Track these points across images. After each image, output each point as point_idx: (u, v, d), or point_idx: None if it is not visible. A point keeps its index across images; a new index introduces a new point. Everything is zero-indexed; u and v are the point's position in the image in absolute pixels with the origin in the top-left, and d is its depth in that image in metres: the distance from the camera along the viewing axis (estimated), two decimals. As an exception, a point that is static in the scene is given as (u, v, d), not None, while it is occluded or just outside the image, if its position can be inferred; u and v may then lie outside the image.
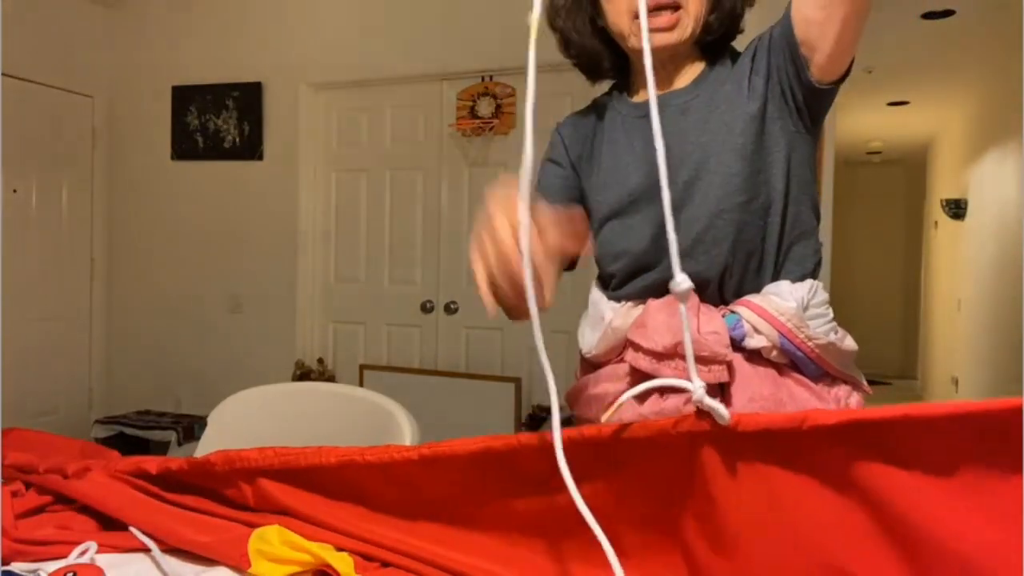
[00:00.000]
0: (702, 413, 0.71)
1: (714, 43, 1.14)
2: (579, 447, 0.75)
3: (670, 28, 1.07)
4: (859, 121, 6.22)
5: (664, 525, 0.75)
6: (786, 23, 1.05)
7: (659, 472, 0.75)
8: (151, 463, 1.01)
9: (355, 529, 0.88)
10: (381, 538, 0.86)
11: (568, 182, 1.23)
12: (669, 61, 1.13)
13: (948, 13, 3.84)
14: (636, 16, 1.07)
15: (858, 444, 0.66)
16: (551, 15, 1.19)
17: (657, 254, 1.11)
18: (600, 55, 1.18)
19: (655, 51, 1.08)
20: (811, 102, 1.08)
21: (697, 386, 0.69)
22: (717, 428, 0.70)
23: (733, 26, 1.14)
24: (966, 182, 5.70)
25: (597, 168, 1.19)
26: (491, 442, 0.80)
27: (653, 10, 1.06)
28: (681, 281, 0.68)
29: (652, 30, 1.06)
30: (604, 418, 0.80)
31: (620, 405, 0.78)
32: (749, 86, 1.09)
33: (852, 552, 0.67)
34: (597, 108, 1.24)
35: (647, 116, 1.09)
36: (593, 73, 1.23)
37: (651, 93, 0.71)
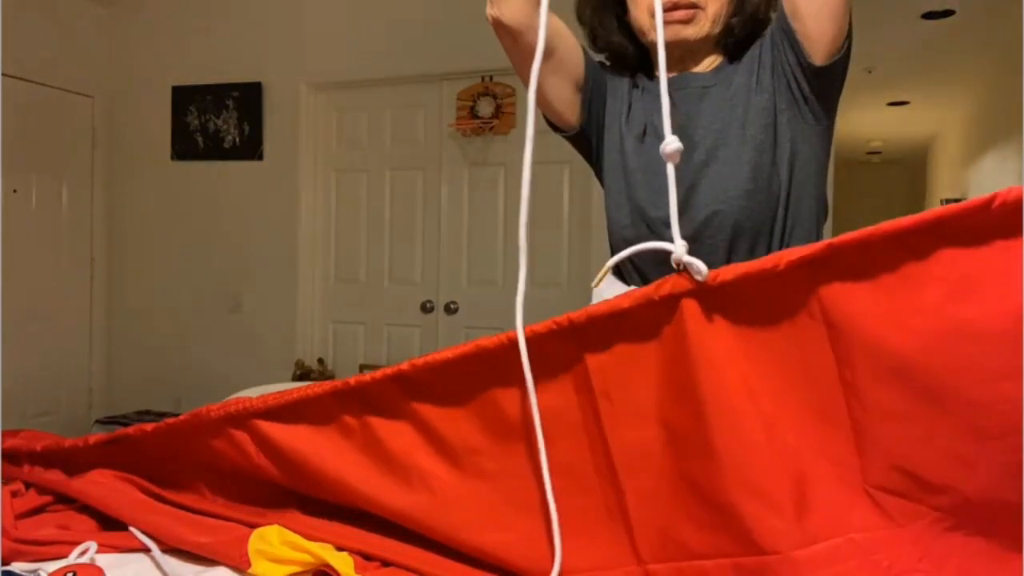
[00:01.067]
0: (681, 273, 0.72)
1: (737, 43, 1.17)
2: (567, 332, 0.77)
3: (686, 22, 1.11)
4: (859, 121, 6.22)
5: (654, 393, 0.75)
6: (780, 9, 1.08)
7: (646, 341, 0.75)
8: (149, 426, 1.01)
9: (353, 499, 0.88)
10: (380, 539, 0.86)
11: (591, 70, 1.24)
12: (689, 58, 1.17)
13: (948, 13, 3.84)
14: (653, 13, 1.10)
15: (830, 271, 0.67)
16: (580, 10, 1.26)
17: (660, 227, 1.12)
18: (625, 48, 1.23)
19: (671, 45, 1.12)
20: (816, 88, 1.09)
21: (679, 244, 0.71)
22: (697, 285, 0.71)
23: (757, 29, 1.17)
24: (966, 182, 5.70)
25: (622, 120, 1.22)
26: (482, 343, 0.81)
27: (670, 7, 1.10)
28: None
29: (668, 23, 1.10)
30: (592, 285, 0.85)
31: (606, 271, 0.82)
32: (757, 80, 1.11)
33: (826, 393, 0.68)
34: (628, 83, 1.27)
35: (671, 91, 1.13)
36: (620, 64, 1.27)
37: (664, 103, 0.72)
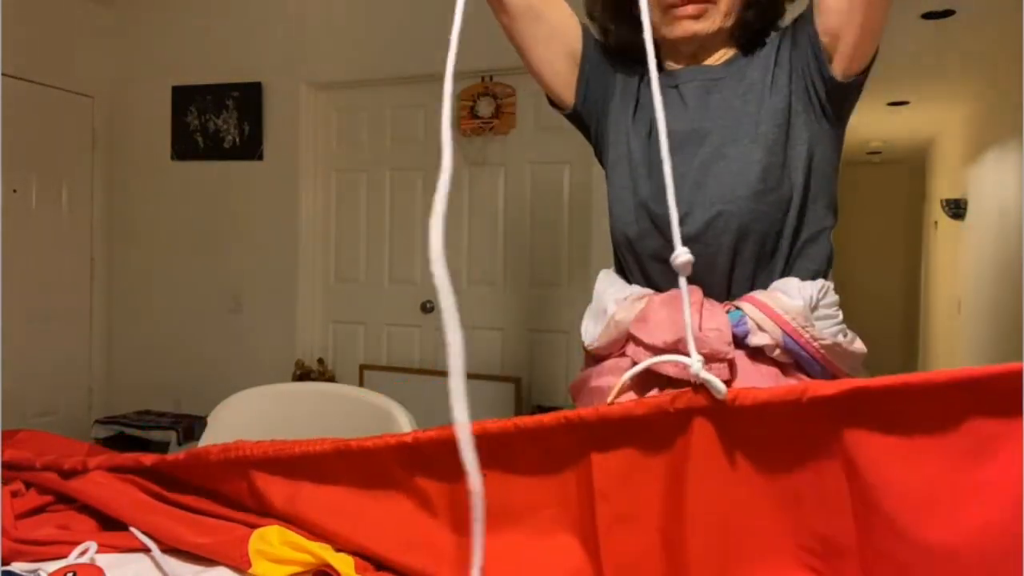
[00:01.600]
0: (699, 388, 0.71)
1: (751, 36, 1.16)
2: (576, 428, 0.75)
3: (697, 16, 1.09)
4: (859, 121, 6.22)
5: (654, 503, 0.75)
6: (809, 15, 1.06)
7: (654, 450, 0.74)
8: (148, 458, 1.01)
9: (350, 534, 0.87)
10: (376, 544, 0.86)
11: (588, 52, 1.23)
12: (701, 52, 1.15)
13: (948, 13, 3.84)
14: (666, 8, 1.11)
15: (855, 414, 0.65)
16: (590, 7, 1.24)
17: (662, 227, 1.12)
18: (637, 47, 1.19)
19: (682, 41, 1.13)
20: (834, 98, 1.08)
21: (695, 359, 0.70)
22: (714, 403, 0.70)
23: (771, 21, 1.16)
24: (966, 182, 5.69)
25: (624, 127, 1.21)
26: (487, 425, 0.80)
27: (681, 2, 1.09)
28: (680, 254, 0.69)
29: (679, 18, 1.09)
30: (607, 400, 0.81)
31: (622, 385, 0.79)
32: (772, 79, 1.09)
33: (837, 523, 0.67)
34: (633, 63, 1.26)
35: (676, 87, 1.14)
36: (634, 60, 1.25)
37: (657, 108, 0.71)
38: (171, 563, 0.86)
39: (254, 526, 0.91)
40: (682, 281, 0.70)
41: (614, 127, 1.21)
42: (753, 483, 0.70)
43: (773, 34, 1.16)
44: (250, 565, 0.83)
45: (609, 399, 0.79)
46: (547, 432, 0.77)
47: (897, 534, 0.64)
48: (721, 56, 1.16)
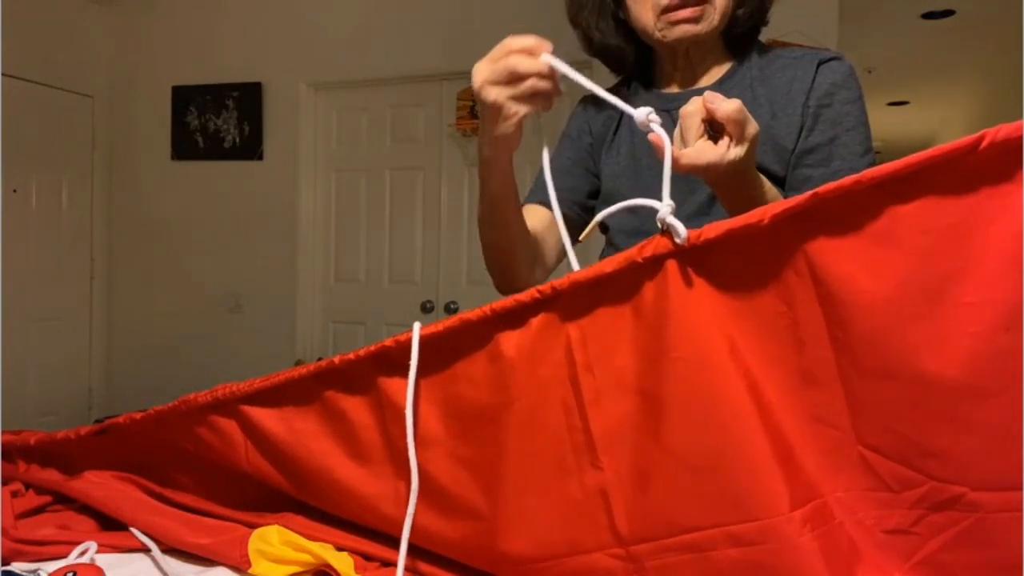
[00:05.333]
0: (665, 234, 0.70)
1: (741, 36, 1.13)
2: (550, 301, 0.75)
3: (695, 19, 1.06)
4: (859, 121, 6.20)
5: (629, 363, 0.73)
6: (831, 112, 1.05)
7: (630, 305, 0.73)
8: (138, 415, 1.00)
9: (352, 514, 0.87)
10: (379, 541, 0.86)
11: (575, 162, 1.23)
12: (694, 50, 1.12)
13: (948, 13, 3.84)
14: (660, 12, 1.07)
15: (815, 224, 0.65)
16: (573, 12, 1.18)
17: None
18: (623, 52, 1.17)
19: (678, 42, 1.09)
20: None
21: (666, 204, 0.69)
22: (680, 246, 0.69)
23: (761, 19, 1.13)
24: (966, 182, 5.68)
25: (616, 153, 1.19)
26: (464, 316, 0.79)
27: (678, 5, 1.05)
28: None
29: (677, 21, 1.06)
30: (581, 237, 0.83)
31: (594, 226, 0.80)
32: (773, 117, 1.07)
33: (815, 352, 0.66)
34: (618, 93, 1.24)
35: (671, 109, 1.09)
36: (617, 69, 1.23)
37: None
38: (171, 563, 0.86)
39: (254, 526, 0.91)
40: (660, 131, 0.73)
41: (604, 169, 1.20)
42: (728, 321, 0.69)
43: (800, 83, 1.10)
44: (250, 565, 0.83)
45: (581, 236, 0.81)
46: (523, 310, 0.76)
47: (875, 352, 0.63)
48: (717, 72, 1.13)
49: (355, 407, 0.85)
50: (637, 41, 1.16)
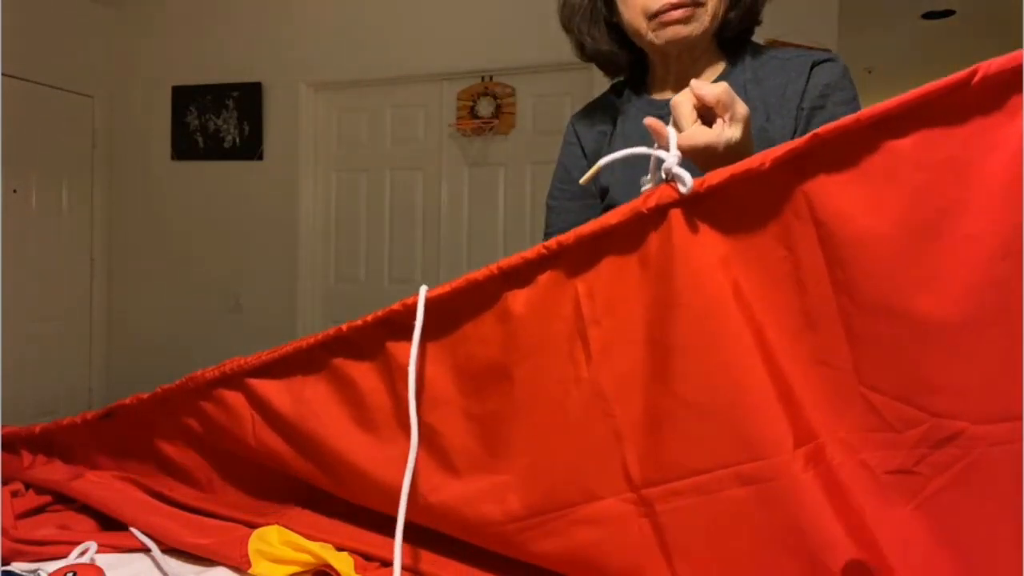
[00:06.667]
0: (670, 183, 0.71)
1: (733, 38, 1.13)
2: (556, 256, 0.76)
3: (685, 21, 1.05)
4: (859, 121, 6.21)
5: (636, 314, 0.74)
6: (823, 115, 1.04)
7: (636, 255, 0.74)
8: (144, 395, 1.01)
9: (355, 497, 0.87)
10: (380, 540, 0.86)
11: (577, 195, 1.22)
12: (686, 54, 1.11)
13: (948, 13, 3.84)
14: (651, 16, 1.06)
15: (815, 166, 0.65)
16: (565, 18, 1.18)
17: None
18: (616, 57, 1.17)
19: (670, 45, 1.08)
20: None
21: (673, 154, 0.71)
22: (685, 195, 0.70)
23: (753, 21, 1.13)
24: (966, 182, 5.69)
25: (611, 164, 1.18)
26: (470, 276, 0.80)
27: (669, 7, 1.05)
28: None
29: (667, 23, 1.05)
30: (582, 180, 0.85)
31: (599, 168, 0.81)
32: (768, 119, 1.06)
33: (817, 293, 0.67)
34: (609, 102, 1.23)
35: (665, 116, 1.08)
36: (612, 73, 1.23)
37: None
38: (171, 563, 0.86)
39: (254, 526, 0.91)
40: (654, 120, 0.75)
41: (602, 182, 1.19)
42: (731, 266, 0.70)
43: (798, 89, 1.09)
44: (250, 565, 0.83)
45: (582, 180, 0.82)
46: (530, 267, 0.77)
47: (875, 289, 0.63)
48: (710, 75, 1.13)
49: (364, 373, 0.86)
50: (630, 46, 1.16)
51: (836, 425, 0.66)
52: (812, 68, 1.07)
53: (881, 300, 0.63)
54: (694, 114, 0.81)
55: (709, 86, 0.80)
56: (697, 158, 0.82)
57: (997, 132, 0.59)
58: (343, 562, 0.83)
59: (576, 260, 0.76)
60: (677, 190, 0.70)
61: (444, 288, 0.81)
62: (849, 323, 0.66)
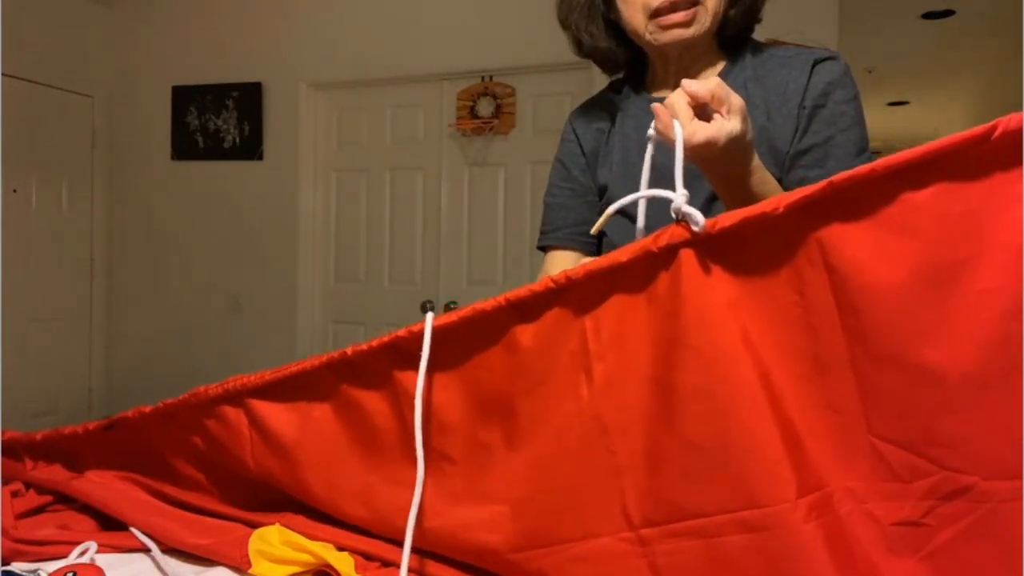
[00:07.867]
0: (680, 223, 0.71)
1: (734, 36, 1.12)
2: (564, 291, 0.76)
3: (686, 24, 1.04)
4: (859, 121, 6.21)
5: (643, 351, 0.74)
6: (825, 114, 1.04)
7: (644, 294, 0.74)
8: (147, 408, 1.01)
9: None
10: (380, 540, 0.86)
11: (577, 192, 1.22)
12: (686, 53, 1.10)
13: (948, 13, 3.84)
14: (651, 15, 1.05)
15: (828, 214, 0.65)
16: (563, 15, 1.17)
17: None
18: (614, 54, 1.16)
19: (669, 46, 1.07)
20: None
21: (680, 194, 0.70)
22: (696, 233, 0.70)
23: (753, 19, 1.12)
24: (966, 182, 5.69)
25: (610, 162, 1.18)
26: (477, 306, 0.80)
27: (669, 9, 1.04)
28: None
29: (668, 26, 1.04)
30: (593, 230, 0.85)
31: (608, 217, 0.81)
32: (769, 117, 1.06)
33: (827, 336, 0.67)
34: (608, 99, 1.22)
35: None
36: (610, 70, 1.22)
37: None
38: (171, 563, 0.86)
39: (254, 526, 0.91)
40: (677, 125, 0.74)
41: (600, 180, 1.19)
42: (741, 309, 0.69)
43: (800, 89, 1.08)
44: (250, 565, 0.83)
45: (593, 229, 0.83)
46: (537, 300, 0.77)
47: (887, 339, 0.63)
48: (708, 75, 1.11)
49: (371, 400, 0.86)
50: (629, 43, 1.14)
51: (844, 473, 0.66)
52: (814, 66, 1.06)
53: (892, 350, 0.63)
54: (691, 111, 0.81)
55: (701, 83, 0.80)
56: (698, 154, 0.81)
57: (1016, 187, 0.59)
58: (343, 562, 0.83)
59: (584, 295, 0.76)
60: (689, 229, 0.70)
61: (451, 317, 0.81)
62: (860, 370, 0.65)
